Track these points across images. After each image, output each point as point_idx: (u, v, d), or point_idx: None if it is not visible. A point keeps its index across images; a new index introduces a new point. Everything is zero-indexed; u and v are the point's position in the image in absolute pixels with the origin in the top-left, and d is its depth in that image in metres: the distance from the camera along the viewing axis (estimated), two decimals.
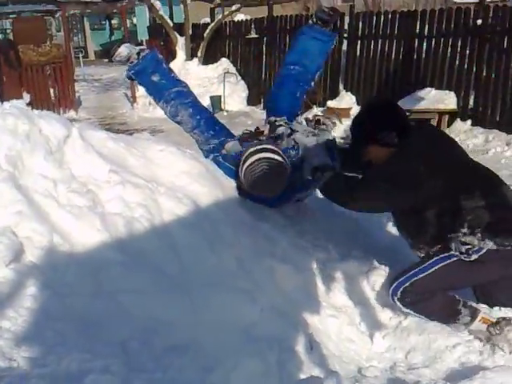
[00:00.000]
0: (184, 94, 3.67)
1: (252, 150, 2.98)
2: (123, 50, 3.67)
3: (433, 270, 2.69)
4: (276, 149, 3.02)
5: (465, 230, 2.60)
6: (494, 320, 2.69)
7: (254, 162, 2.92)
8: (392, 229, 3.84)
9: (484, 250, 2.59)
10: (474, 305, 2.78)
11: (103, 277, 2.33)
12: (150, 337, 2.19)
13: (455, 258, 2.65)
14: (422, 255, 2.81)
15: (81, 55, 20.48)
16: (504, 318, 2.69)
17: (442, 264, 2.68)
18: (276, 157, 2.94)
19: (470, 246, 2.60)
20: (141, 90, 12.42)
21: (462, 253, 2.62)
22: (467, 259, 2.61)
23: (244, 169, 2.94)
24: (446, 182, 2.64)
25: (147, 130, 10.02)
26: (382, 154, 2.76)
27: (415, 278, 2.69)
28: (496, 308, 2.81)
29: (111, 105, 13.14)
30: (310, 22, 3.64)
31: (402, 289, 2.70)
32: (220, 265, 2.65)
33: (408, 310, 2.76)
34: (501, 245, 2.60)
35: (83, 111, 12.32)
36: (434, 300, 2.73)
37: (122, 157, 2.81)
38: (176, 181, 2.85)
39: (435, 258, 2.71)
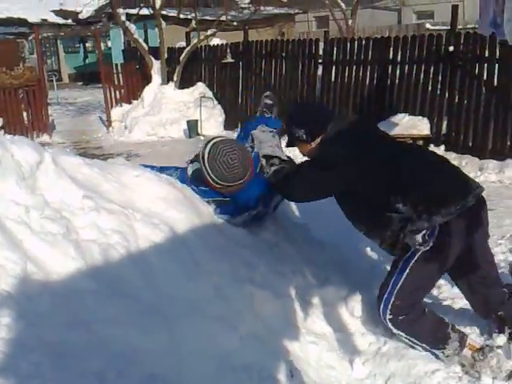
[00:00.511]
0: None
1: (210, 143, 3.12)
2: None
3: (407, 271, 2.71)
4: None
5: (414, 217, 2.65)
6: (479, 346, 2.71)
7: (214, 150, 3.07)
8: (370, 254, 3.85)
9: (437, 230, 2.64)
10: (461, 329, 2.80)
11: (78, 306, 2.27)
12: (127, 366, 2.14)
13: (419, 253, 2.69)
14: (383, 246, 2.89)
15: (54, 78, 20.35)
16: (488, 345, 2.72)
17: (411, 263, 2.71)
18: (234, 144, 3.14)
19: (424, 232, 2.64)
20: (116, 114, 12.42)
21: (420, 244, 2.66)
22: (428, 247, 2.65)
23: (206, 159, 3.07)
24: (375, 169, 2.76)
25: (123, 155, 9.96)
26: (306, 149, 3.04)
27: (397, 288, 2.70)
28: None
29: (86, 129, 13.05)
30: None
31: (389, 306, 2.70)
32: (197, 292, 2.61)
33: (399, 332, 2.75)
34: (448, 214, 2.63)
35: (57, 135, 12.20)
36: (425, 318, 2.76)
37: (96, 182, 2.76)
38: (152, 207, 2.81)
39: (402, 262, 2.74)
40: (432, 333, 2.75)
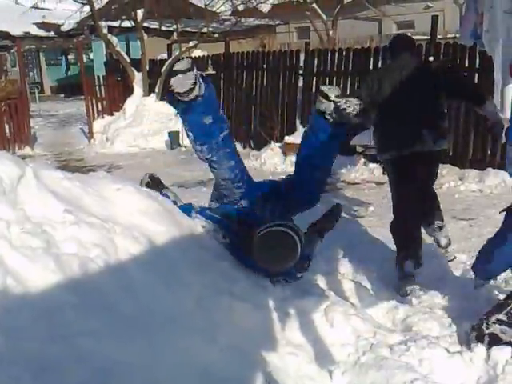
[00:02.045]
0: (227, 141, 3.43)
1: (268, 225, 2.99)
2: (177, 83, 3.12)
3: None
4: (292, 225, 3.05)
5: None
6: None
7: (267, 233, 2.95)
8: (349, 265, 3.90)
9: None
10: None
11: (58, 319, 2.27)
12: (107, 380, 2.14)
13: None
14: None
15: (36, 91, 20.27)
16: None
17: None
18: (291, 232, 2.96)
19: None
20: (98, 126, 12.41)
21: None
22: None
23: (257, 238, 2.96)
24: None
25: (105, 166, 9.95)
26: None
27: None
28: None
29: (68, 141, 13.01)
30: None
31: None
32: (177, 304, 2.63)
33: None
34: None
35: (39, 147, 12.15)
36: None
37: (77, 196, 2.78)
38: (133, 220, 2.83)
39: None
40: None
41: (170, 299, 2.61)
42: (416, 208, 4.13)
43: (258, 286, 3.02)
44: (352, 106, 3.68)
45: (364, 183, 7.79)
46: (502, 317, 2.97)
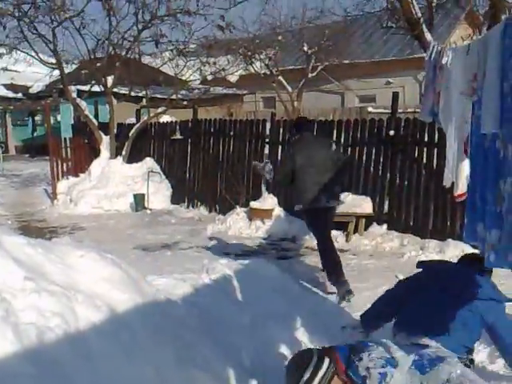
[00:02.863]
0: None
1: None
2: None
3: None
4: None
5: None
6: None
7: None
8: (309, 335, 3.88)
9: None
10: None
11: None
12: None
13: None
14: None
15: (0, 150, 20.14)
16: None
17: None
18: None
19: None
20: (62, 187, 12.33)
21: None
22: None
23: None
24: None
25: (67, 228, 9.83)
26: None
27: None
28: None
29: (30, 201, 12.84)
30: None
31: None
32: (137, 374, 2.57)
33: None
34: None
35: (0, 207, 11.95)
36: None
37: (39, 263, 2.74)
38: (95, 288, 2.80)
39: None
40: None
41: (129, 369, 2.56)
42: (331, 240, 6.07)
43: (221, 354, 2.98)
44: (268, 172, 6.23)
45: None
46: None
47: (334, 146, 7.49)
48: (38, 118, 27.34)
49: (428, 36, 10.86)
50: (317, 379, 2.67)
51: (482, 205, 3.03)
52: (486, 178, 2.96)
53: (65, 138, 13.26)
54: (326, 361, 2.72)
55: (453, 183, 3.76)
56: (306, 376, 2.66)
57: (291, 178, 5.90)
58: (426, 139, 7.88)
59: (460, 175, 3.62)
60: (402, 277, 6.14)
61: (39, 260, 2.77)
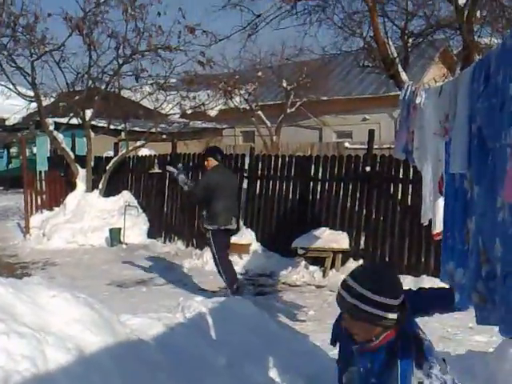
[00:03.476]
0: None
1: None
2: None
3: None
4: None
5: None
6: None
7: None
8: (286, 376, 3.84)
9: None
10: None
11: None
12: None
13: None
14: None
15: None
16: None
17: None
18: None
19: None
20: (35, 220, 12.13)
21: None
22: None
23: None
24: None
25: (39, 263, 9.65)
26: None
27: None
28: None
29: (2, 235, 12.54)
30: None
31: None
32: None
33: None
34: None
35: None
36: None
37: (9, 303, 2.68)
38: (67, 329, 2.73)
39: None
40: None
41: None
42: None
43: None
44: (182, 182, 7.10)
45: (305, 285, 7.84)
46: None
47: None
48: (13, 150, 27.06)
49: (403, 76, 11.10)
50: None
51: (452, 243, 3.06)
52: (455, 216, 3.01)
53: (40, 171, 13.12)
54: None
55: (430, 221, 3.80)
56: None
57: (206, 199, 6.94)
58: (400, 176, 7.99)
59: (437, 214, 3.66)
60: None
61: (10, 300, 2.70)
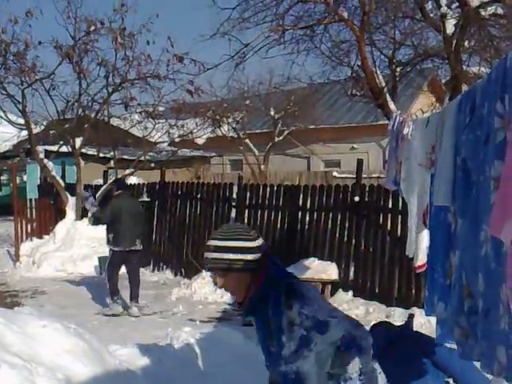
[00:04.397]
0: None
1: None
2: None
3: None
4: None
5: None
6: None
7: None
8: None
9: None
10: None
11: None
12: None
13: None
14: None
15: None
16: None
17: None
18: None
19: None
20: (25, 248, 12.07)
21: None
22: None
23: None
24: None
25: (28, 292, 9.58)
26: None
27: None
28: None
29: None
30: None
31: None
32: None
33: None
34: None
35: None
36: None
37: (0, 333, 2.69)
38: (57, 360, 2.74)
39: None
40: None
41: None
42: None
43: None
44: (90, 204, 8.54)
45: None
46: None
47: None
48: (3, 177, 26.95)
49: (391, 105, 11.23)
50: None
51: (436, 277, 3.04)
52: (438, 249, 2.97)
53: (30, 199, 13.09)
54: None
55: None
56: None
57: (110, 222, 7.91)
58: (390, 206, 7.97)
59: (420, 246, 3.67)
60: None
61: (1, 330, 2.71)
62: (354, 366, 2.19)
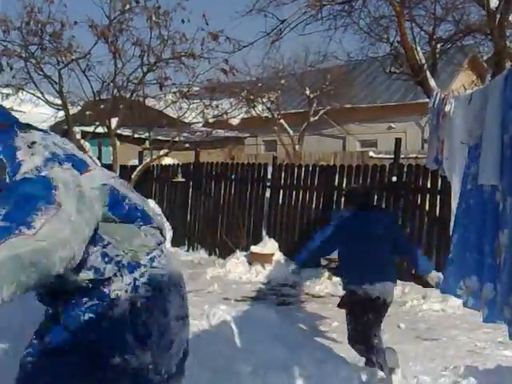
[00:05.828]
0: None
1: None
2: None
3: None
4: None
5: None
6: None
7: None
8: None
9: None
10: None
11: None
12: None
13: None
14: None
15: None
16: None
17: None
18: None
19: None
20: None
21: None
22: None
23: None
24: None
25: None
26: None
27: None
28: None
29: None
30: None
31: None
32: None
33: None
34: None
35: None
36: None
37: None
38: None
39: None
40: None
41: None
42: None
43: None
44: None
45: (328, 297, 7.76)
46: None
47: None
48: None
49: (431, 82, 10.95)
50: None
51: (479, 257, 2.95)
52: (485, 229, 2.90)
53: None
54: None
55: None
56: None
57: None
58: (428, 186, 7.87)
59: None
60: (403, 326, 6.07)
61: None
62: None
